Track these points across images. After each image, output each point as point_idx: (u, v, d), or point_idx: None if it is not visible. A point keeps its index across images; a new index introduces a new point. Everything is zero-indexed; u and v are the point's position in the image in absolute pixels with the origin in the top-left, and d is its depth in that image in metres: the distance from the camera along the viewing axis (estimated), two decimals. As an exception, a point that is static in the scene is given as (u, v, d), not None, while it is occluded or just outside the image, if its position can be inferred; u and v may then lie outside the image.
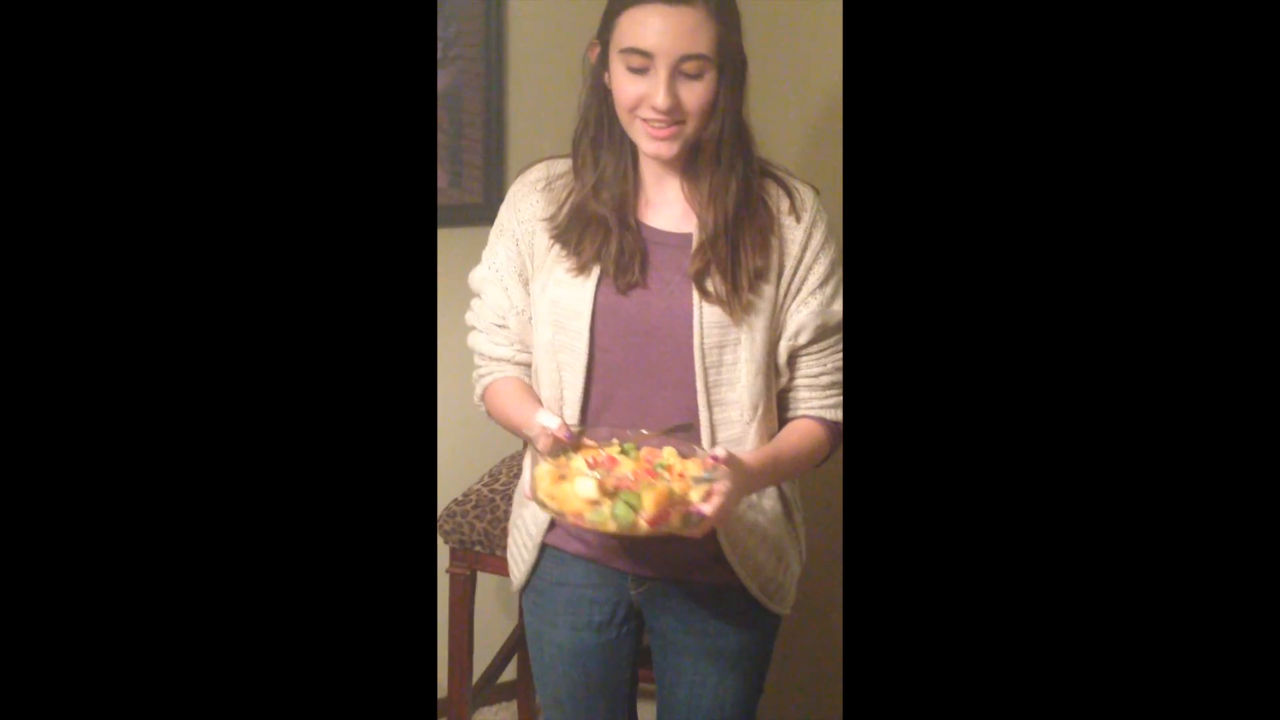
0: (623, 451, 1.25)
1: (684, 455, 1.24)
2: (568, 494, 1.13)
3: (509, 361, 1.39)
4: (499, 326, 1.38)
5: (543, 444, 1.20)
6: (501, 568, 1.92)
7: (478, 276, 1.40)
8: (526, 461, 1.22)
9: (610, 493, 1.12)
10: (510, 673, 2.26)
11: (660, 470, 1.20)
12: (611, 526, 1.12)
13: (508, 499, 1.94)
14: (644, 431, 1.26)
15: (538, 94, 2.10)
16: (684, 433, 1.28)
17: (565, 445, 1.23)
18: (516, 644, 2.21)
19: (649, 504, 1.11)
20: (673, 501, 1.12)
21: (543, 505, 1.16)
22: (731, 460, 1.17)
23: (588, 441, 1.27)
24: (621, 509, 1.11)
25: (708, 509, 1.13)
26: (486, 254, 1.39)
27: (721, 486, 1.14)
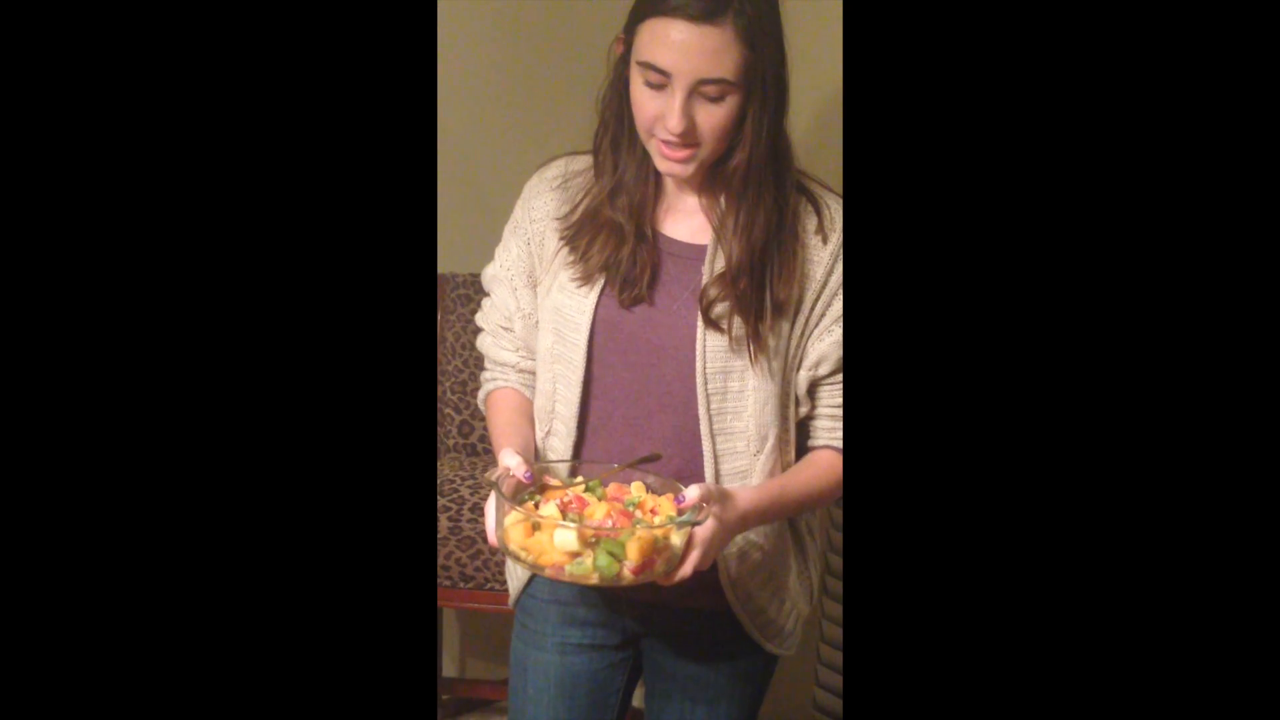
0: (588, 489, 1.16)
1: (655, 491, 1.16)
2: (543, 546, 1.04)
3: (513, 368, 1.30)
4: (504, 329, 1.30)
5: (506, 487, 1.10)
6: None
7: (489, 274, 1.31)
8: (490, 505, 1.12)
9: (591, 542, 1.03)
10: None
11: (632, 509, 1.12)
12: (594, 579, 1.03)
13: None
14: (614, 466, 1.18)
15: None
16: (649, 463, 1.19)
17: (528, 487, 1.14)
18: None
19: (633, 553, 1.02)
20: (657, 549, 1.04)
21: (516, 559, 1.07)
22: (722, 496, 1.09)
23: (551, 481, 1.18)
24: (605, 560, 1.02)
25: (686, 561, 1.05)
26: (499, 250, 1.30)
27: (703, 531, 1.06)
